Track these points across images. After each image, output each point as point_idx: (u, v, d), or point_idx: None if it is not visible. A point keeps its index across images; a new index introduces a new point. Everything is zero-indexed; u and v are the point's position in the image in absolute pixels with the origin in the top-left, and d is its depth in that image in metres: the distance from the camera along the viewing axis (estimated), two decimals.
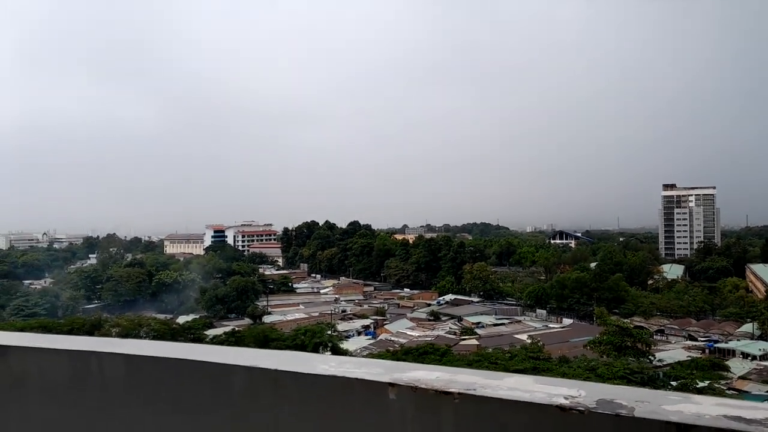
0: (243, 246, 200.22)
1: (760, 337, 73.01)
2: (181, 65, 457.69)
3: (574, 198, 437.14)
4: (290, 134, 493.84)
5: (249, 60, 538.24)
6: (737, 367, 57.86)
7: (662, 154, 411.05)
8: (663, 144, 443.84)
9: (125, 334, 58.34)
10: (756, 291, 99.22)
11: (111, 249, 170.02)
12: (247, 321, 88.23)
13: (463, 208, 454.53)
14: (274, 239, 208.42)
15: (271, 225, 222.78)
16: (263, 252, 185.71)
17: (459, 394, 1.70)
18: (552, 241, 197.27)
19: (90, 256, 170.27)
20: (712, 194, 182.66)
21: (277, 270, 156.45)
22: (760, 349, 64.98)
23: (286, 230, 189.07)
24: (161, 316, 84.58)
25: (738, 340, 72.47)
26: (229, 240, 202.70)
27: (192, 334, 63.22)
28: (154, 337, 57.95)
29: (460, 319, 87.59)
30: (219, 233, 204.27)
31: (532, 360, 43.63)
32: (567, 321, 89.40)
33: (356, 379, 1.90)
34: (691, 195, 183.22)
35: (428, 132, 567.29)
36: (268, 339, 56.04)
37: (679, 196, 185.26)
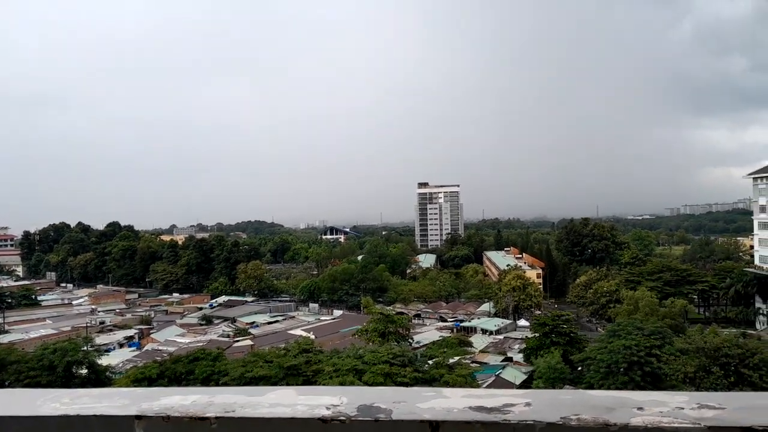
0: None
1: (495, 315, 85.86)
2: None
3: (343, 195, 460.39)
4: (32, 120, 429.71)
5: None
6: (478, 341, 67.35)
7: (419, 155, 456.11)
8: (419, 146, 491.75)
9: None
10: (491, 274, 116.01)
11: None
12: None
13: (237, 207, 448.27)
14: (11, 245, 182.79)
15: (6, 228, 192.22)
16: None
17: (216, 418, 1.61)
18: (324, 237, 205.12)
19: None
20: (457, 191, 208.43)
21: (16, 281, 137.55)
22: (495, 325, 76.57)
23: (26, 234, 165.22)
24: None
25: (478, 318, 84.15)
26: None
27: None
28: None
29: (233, 320, 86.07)
30: None
31: (305, 354, 44.79)
32: (338, 312, 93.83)
33: (94, 416, 1.68)
34: (441, 192, 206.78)
35: (195, 124, 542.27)
36: (5, 362, 48.30)
37: (431, 193, 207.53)
